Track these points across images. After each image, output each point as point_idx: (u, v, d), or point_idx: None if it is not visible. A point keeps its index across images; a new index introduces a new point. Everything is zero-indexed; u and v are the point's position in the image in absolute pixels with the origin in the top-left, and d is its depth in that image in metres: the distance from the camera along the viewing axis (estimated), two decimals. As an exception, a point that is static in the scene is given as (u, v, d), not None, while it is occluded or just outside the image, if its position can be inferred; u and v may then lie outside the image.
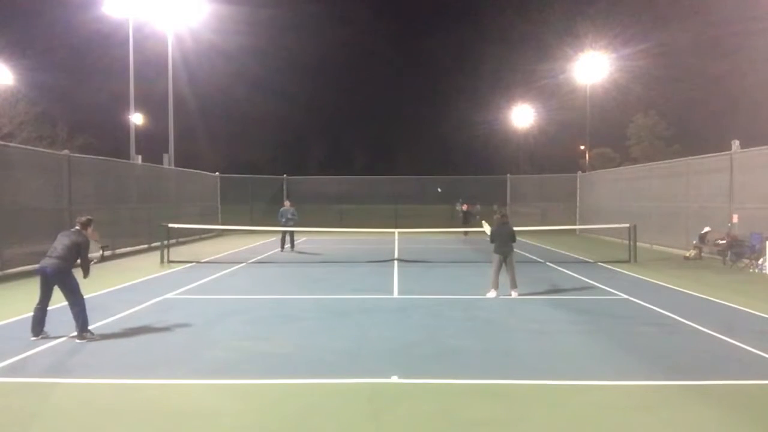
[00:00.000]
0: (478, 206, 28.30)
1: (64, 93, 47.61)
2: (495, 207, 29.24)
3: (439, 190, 29.00)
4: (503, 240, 10.82)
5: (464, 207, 27.48)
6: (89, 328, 7.57)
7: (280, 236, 19.98)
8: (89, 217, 8.11)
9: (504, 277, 10.74)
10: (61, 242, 7.68)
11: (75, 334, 7.50)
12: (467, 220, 26.63)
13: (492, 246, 10.99)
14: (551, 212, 30.07)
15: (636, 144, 49.99)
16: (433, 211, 33.25)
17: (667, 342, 7.47)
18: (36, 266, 7.76)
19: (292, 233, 19.76)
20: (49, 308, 7.61)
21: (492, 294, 10.56)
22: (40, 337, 7.45)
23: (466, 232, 25.37)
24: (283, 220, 19.70)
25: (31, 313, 7.56)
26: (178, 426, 4.80)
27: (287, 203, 20.45)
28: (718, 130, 38.83)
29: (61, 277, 7.46)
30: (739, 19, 39.17)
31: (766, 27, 35.14)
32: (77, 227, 7.87)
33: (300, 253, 19.25)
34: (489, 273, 10.99)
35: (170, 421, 4.88)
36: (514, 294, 10.55)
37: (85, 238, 7.78)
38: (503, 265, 10.73)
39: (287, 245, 19.68)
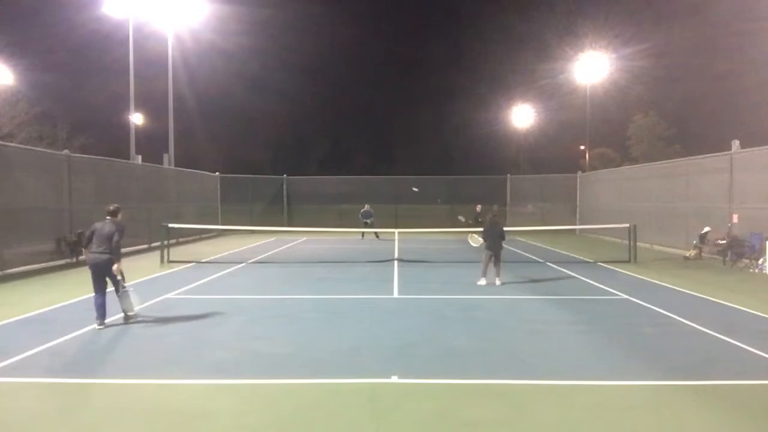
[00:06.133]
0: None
1: (64, 93, 47.69)
2: (495, 207, 29.08)
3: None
4: (494, 238, 11.97)
5: (477, 209, 26.52)
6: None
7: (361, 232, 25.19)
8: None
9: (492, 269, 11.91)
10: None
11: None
12: (477, 220, 24.51)
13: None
14: (551, 212, 30.07)
15: (636, 144, 49.93)
16: (433, 211, 33.24)
17: (667, 342, 7.47)
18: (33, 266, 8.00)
19: (372, 227, 24.86)
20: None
21: (482, 282, 11.87)
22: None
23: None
24: (364, 219, 24.77)
25: (31, 313, 7.59)
26: (178, 426, 4.80)
27: (367, 206, 25.17)
28: (718, 130, 38.77)
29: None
30: (739, 19, 39.18)
31: (766, 27, 35.14)
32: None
33: (381, 240, 24.18)
34: (490, 272, 11.92)
35: (170, 421, 4.88)
36: (498, 282, 11.83)
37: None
38: (492, 259, 11.97)
39: (366, 235, 25.00)
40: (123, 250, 18.27)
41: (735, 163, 16.24)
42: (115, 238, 8.15)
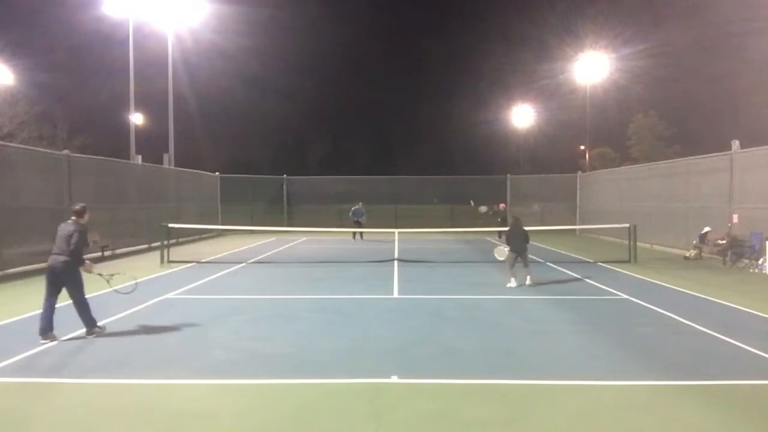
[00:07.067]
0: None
1: (64, 93, 47.74)
2: (496, 207, 29.05)
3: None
4: (518, 240, 12.01)
5: (501, 206, 26.02)
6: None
7: (352, 232, 24.89)
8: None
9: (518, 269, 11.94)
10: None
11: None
12: (504, 221, 22.45)
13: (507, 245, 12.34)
14: (551, 212, 30.06)
15: (636, 144, 50.01)
16: (434, 211, 33.26)
17: (667, 342, 7.47)
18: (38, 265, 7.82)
19: (362, 226, 24.48)
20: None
21: (512, 283, 11.65)
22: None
23: (500, 234, 22.19)
24: (355, 218, 24.50)
25: (31, 313, 7.54)
26: (178, 426, 4.80)
27: (360, 204, 24.94)
28: (718, 130, 38.83)
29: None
30: (739, 19, 39.20)
31: (766, 27, 35.15)
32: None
33: (367, 242, 23.56)
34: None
35: (170, 421, 4.88)
36: (528, 281, 11.76)
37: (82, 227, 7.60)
38: (517, 259, 11.96)
39: (357, 236, 24.55)
40: (123, 250, 18.42)
41: (735, 163, 16.23)
42: (73, 239, 7.22)
